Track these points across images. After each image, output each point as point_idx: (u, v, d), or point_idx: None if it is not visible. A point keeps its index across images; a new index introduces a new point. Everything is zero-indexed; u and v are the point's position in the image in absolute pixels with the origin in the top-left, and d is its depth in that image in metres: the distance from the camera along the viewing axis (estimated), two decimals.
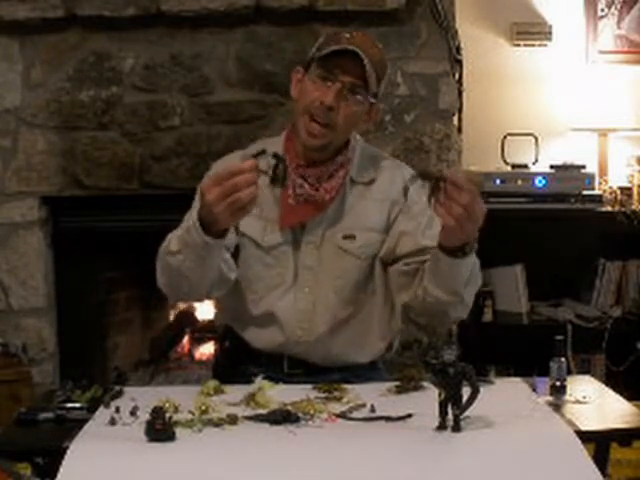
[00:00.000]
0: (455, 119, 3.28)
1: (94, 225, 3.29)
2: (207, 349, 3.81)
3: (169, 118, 3.19)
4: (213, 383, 1.84)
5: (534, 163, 3.54)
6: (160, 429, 1.51)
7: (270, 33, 3.18)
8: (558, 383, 1.81)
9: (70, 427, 1.60)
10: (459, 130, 3.31)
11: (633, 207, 3.49)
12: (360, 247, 2.02)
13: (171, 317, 3.89)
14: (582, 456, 1.46)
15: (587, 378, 2.06)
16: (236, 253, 2.00)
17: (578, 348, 3.44)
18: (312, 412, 1.64)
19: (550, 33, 3.73)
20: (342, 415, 1.66)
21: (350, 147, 2.05)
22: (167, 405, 1.65)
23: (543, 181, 3.42)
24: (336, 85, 1.91)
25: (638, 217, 3.42)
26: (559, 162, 3.50)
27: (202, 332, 3.81)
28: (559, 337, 1.87)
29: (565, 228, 3.48)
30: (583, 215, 3.44)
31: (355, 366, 2.07)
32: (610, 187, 3.58)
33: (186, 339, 3.84)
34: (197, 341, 3.85)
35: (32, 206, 3.25)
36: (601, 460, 1.67)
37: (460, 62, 3.24)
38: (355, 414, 1.67)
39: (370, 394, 1.78)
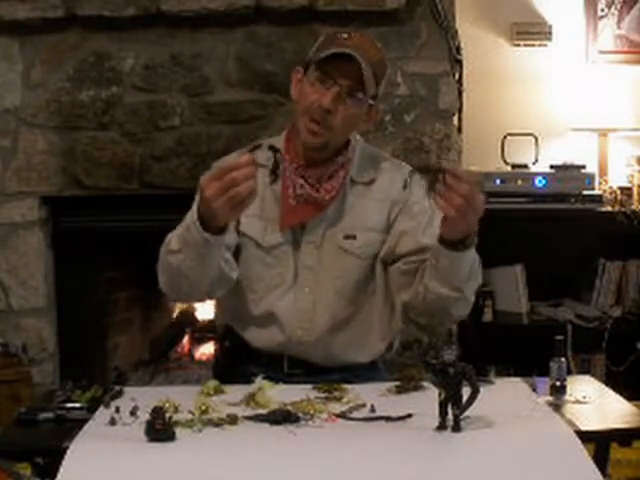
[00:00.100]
0: (455, 119, 3.29)
1: (94, 225, 3.29)
2: (207, 349, 3.81)
3: (169, 118, 3.19)
4: (213, 383, 1.84)
5: (534, 163, 3.55)
6: (160, 429, 1.51)
7: (270, 33, 3.18)
8: (558, 383, 1.81)
9: (70, 427, 1.60)
10: (459, 130, 3.31)
11: (633, 207, 3.49)
12: (361, 247, 2.02)
13: (171, 317, 3.89)
14: (582, 456, 1.46)
15: (587, 378, 2.06)
16: (237, 253, 2.00)
17: (578, 348, 3.44)
18: (312, 412, 1.64)
19: (550, 33, 3.73)
20: (342, 415, 1.66)
21: (350, 147, 2.05)
22: (167, 405, 1.65)
23: (543, 181, 3.43)
24: (334, 88, 1.91)
25: (638, 217, 3.42)
26: (559, 162, 3.50)
27: (202, 332, 3.81)
28: (559, 337, 1.87)
29: (565, 228, 3.48)
30: (583, 215, 3.44)
31: (355, 366, 2.07)
32: (610, 187, 3.58)
33: (186, 339, 3.84)
34: (197, 341, 3.85)
35: (32, 206, 3.25)
36: (601, 460, 1.67)
37: (460, 62, 3.24)
38: (355, 414, 1.67)
39: (370, 394, 1.78)
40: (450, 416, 1.55)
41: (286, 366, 2.04)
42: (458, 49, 3.22)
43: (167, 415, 1.53)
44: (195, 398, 1.74)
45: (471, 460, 1.46)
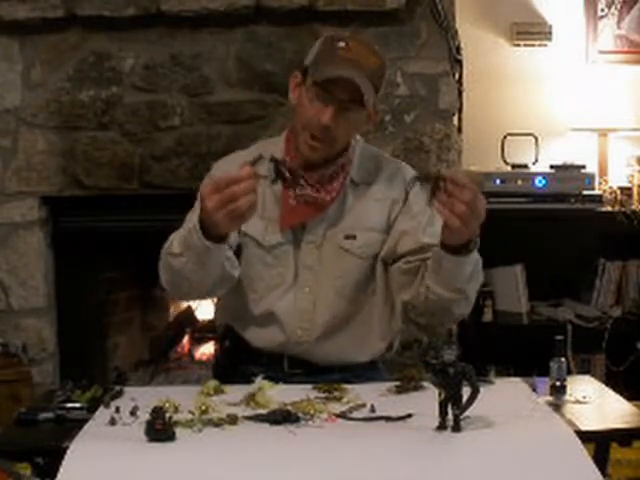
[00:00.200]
0: (455, 119, 3.28)
1: (94, 225, 3.29)
2: (207, 349, 3.81)
3: (169, 118, 3.19)
4: (213, 383, 1.84)
5: (534, 163, 3.54)
6: (160, 429, 1.51)
7: (270, 33, 3.18)
8: (558, 383, 1.81)
9: (70, 427, 1.60)
10: (459, 130, 3.31)
11: (633, 207, 3.49)
12: (361, 247, 2.02)
13: (171, 317, 3.89)
14: (582, 456, 1.46)
15: (587, 378, 2.06)
16: (238, 252, 2.01)
17: (578, 348, 3.44)
18: (312, 412, 1.64)
19: (550, 33, 3.73)
20: (342, 415, 1.66)
21: (350, 148, 2.05)
22: (167, 405, 1.65)
23: (543, 181, 3.42)
24: (333, 105, 1.90)
25: (638, 217, 3.42)
26: (559, 162, 3.50)
27: (202, 332, 3.81)
28: (559, 337, 1.87)
29: (565, 228, 3.48)
30: (583, 215, 3.44)
31: (355, 366, 2.07)
32: (610, 187, 3.58)
33: (186, 339, 3.84)
34: (197, 341, 3.85)
35: (32, 206, 3.25)
36: (601, 460, 1.67)
37: (460, 62, 3.24)
38: (355, 414, 1.67)
39: (370, 394, 1.78)
40: (450, 416, 1.55)
41: (286, 366, 2.05)
42: (458, 49, 3.22)
43: (167, 415, 1.53)
44: (195, 398, 1.74)
45: (471, 460, 1.46)
